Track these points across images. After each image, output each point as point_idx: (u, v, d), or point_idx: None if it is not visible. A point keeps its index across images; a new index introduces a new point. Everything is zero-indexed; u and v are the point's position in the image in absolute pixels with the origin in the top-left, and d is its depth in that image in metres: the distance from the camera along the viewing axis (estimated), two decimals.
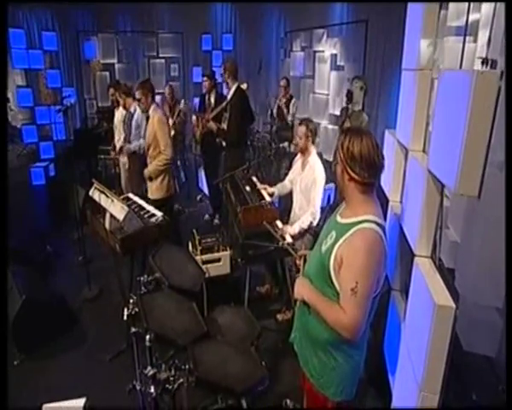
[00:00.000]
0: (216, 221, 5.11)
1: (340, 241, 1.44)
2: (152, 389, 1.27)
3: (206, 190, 5.88)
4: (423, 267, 1.45)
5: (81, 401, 2.18)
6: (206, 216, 5.35)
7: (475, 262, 2.50)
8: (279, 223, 3.04)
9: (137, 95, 3.53)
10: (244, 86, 4.39)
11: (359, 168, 1.43)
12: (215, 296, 2.19)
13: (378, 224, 1.43)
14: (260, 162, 6.12)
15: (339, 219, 1.56)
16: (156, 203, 3.09)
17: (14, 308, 2.77)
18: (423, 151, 1.75)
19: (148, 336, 1.23)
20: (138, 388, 1.75)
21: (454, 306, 1.23)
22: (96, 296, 3.62)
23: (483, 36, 2.36)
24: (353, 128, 1.56)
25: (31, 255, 3.83)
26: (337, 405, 1.60)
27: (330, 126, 6.80)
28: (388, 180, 2.28)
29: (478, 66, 2.14)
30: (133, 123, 4.19)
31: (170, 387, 1.24)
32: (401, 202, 2.14)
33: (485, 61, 1.64)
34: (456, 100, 1.15)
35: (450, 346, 1.27)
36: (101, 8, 7.53)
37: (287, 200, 3.60)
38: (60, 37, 7.28)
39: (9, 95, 8.12)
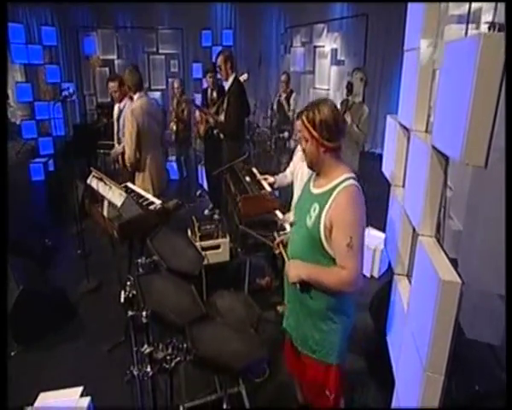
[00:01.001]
0: (216, 216, 5.08)
1: (326, 208, 1.50)
2: (148, 368, 1.23)
3: (205, 186, 5.86)
4: (427, 246, 1.42)
5: (78, 390, 2.15)
6: (206, 211, 5.33)
7: (478, 250, 2.47)
8: (279, 213, 3.00)
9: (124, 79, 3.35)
10: (245, 77, 4.32)
11: (334, 135, 1.50)
12: (214, 284, 2.15)
13: (354, 178, 1.54)
14: (260, 153, 6.10)
15: (315, 191, 1.61)
16: None
17: (11, 299, 2.74)
18: (426, 131, 1.71)
19: (144, 313, 1.20)
20: (136, 373, 1.71)
21: (460, 281, 1.19)
22: (95, 289, 3.59)
23: (486, 19, 2.32)
24: (311, 103, 1.56)
25: (29, 248, 3.80)
26: (338, 368, 1.70)
27: None
28: (390, 165, 2.25)
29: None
30: (120, 120, 4.02)
31: (167, 366, 1.21)
32: (403, 186, 2.11)
33: (492, 26, 1.61)
34: (462, 67, 1.11)
35: (456, 324, 1.23)
36: (100, 4, 7.50)
37: (287, 192, 3.56)
38: (59, 32, 7.24)
39: (9, 91, 8.09)
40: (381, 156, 2.93)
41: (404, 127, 2.04)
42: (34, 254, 3.78)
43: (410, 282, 1.86)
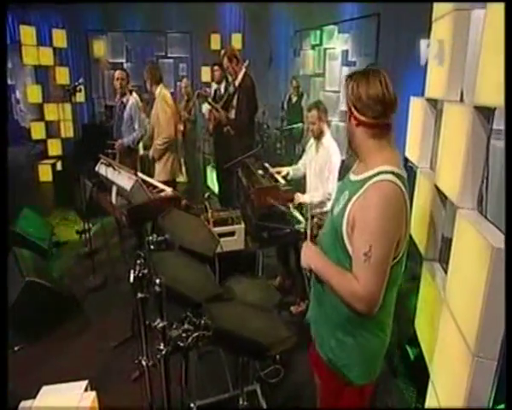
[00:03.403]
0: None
1: (353, 200, 1.24)
2: (162, 346, 1.09)
3: (214, 188, 5.76)
4: (469, 217, 1.27)
5: (83, 384, 2.02)
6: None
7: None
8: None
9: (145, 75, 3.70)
10: (245, 63, 4.22)
11: (366, 107, 1.23)
12: (227, 272, 2.02)
13: (396, 174, 1.20)
14: (270, 154, 6.03)
15: (352, 177, 1.35)
16: None
17: (15, 290, 2.62)
18: (461, 100, 1.58)
19: (158, 280, 1.06)
20: (144, 363, 1.58)
21: None
22: (101, 285, 3.48)
23: None
24: (359, 71, 1.32)
25: (36, 243, 3.70)
26: (360, 388, 1.37)
27: (342, 124, 6.65)
28: (416, 148, 2.12)
29: None
30: (125, 115, 4.03)
31: (182, 344, 1.06)
32: (431, 168, 1.98)
33: None
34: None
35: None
36: (110, 7, 7.53)
37: (298, 186, 3.45)
38: (69, 35, 7.26)
39: (19, 96, 8.13)
40: None
41: (432, 104, 1.92)
42: (41, 249, 3.69)
43: (442, 266, 1.72)
